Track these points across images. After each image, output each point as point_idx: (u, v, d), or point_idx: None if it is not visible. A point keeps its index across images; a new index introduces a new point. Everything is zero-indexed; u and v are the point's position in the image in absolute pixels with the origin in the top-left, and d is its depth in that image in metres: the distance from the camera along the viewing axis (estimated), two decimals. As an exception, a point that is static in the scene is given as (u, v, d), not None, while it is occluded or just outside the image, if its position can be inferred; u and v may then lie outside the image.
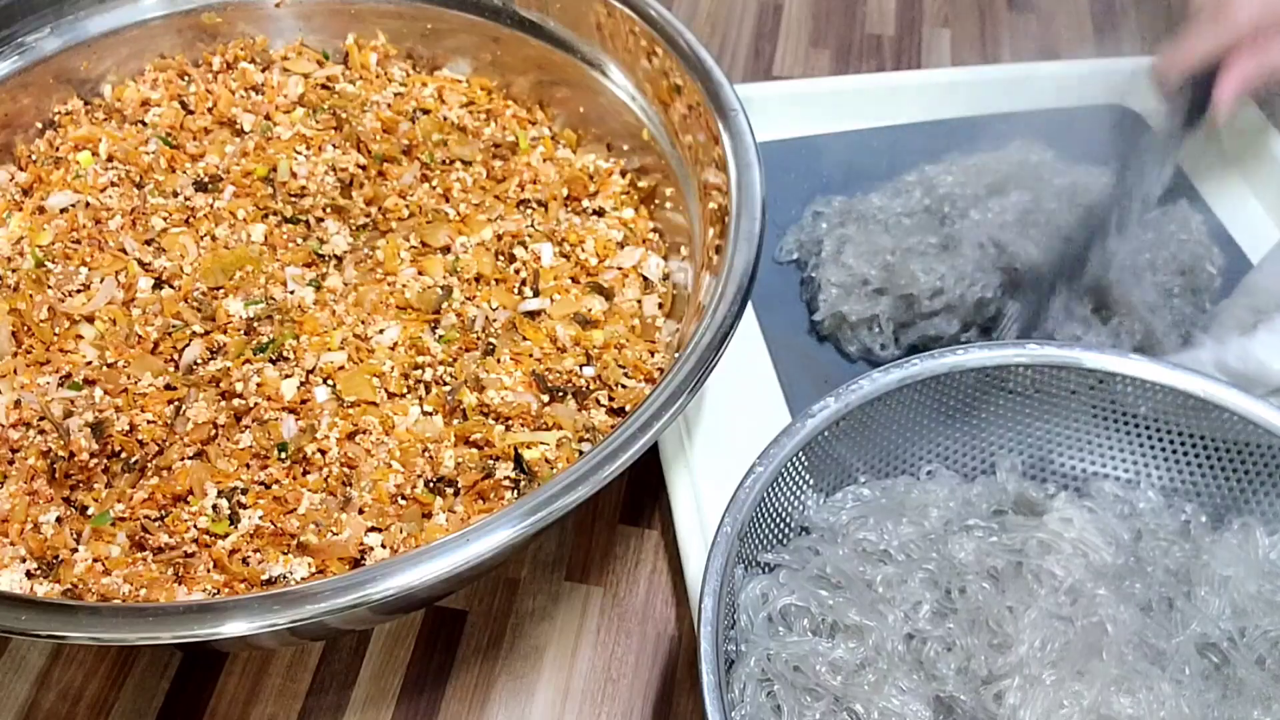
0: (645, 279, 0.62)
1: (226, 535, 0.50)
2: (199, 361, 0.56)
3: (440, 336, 0.58)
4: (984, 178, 0.70)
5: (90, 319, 0.57)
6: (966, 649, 0.44)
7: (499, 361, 0.56)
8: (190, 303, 0.58)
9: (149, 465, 0.52)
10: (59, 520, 0.50)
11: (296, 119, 0.68)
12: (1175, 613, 0.46)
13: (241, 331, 0.57)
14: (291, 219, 0.62)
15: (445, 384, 0.55)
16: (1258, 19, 0.62)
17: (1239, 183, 0.78)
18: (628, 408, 0.55)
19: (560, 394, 0.55)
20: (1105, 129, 0.74)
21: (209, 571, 0.49)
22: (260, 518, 0.50)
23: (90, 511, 0.51)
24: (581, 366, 0.57)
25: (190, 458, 0.52)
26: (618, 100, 0.66)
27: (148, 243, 0.61)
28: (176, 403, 0.54)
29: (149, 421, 0.53)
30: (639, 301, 0.61)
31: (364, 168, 0.65)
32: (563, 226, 0.64)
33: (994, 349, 0.51)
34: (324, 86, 0.70)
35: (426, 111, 0.69)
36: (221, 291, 0.59)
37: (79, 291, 0.58)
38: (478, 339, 0.58)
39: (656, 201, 0.65)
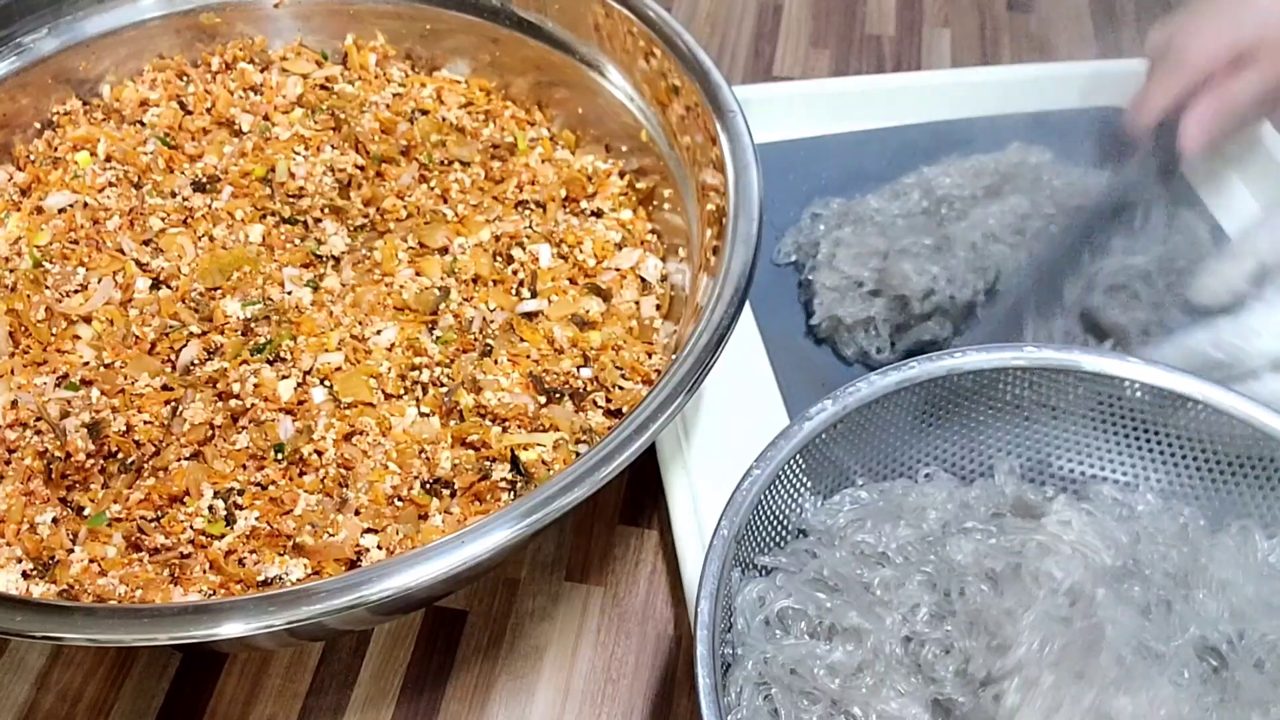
0: (643, 280, 0.62)
1: (223, 536, 0.50)
2: (196, 362, 0.55)
3: (438, 337, 0.58)
4: (982, 179, 0.70)
5: (87, 319, 0.57)
6: (965, 651, 0.44)
7: (496, 363, 0.56)
8: (188, 303, 0.58)
9: (145, 466, 0.52)
10: (55, 521, 0.50)
11: (295, 119, 0.67)
12: (1174, 615, 0.46)
13: (239, 332, 0.57)
14: (289, 219, 0.62)
15: (442, 385, 0.55)
16: (1211, 59, 0.62)
17: (1235, 183, 0.78)
18: (625, 409, 0.55)
19: (557, 395, 0.55)
20: (1105, 131, 0.74)
21: (205, 572, 0.49)
22: (256, 519, 0.50)
23: (87, 512, 0.51)
24: (579, 368, 0.57)
25: (187, 458, 0.52)
26: (616, 101, 0.66)
27: (145, 243, 0.61)
28: (173, 403, 0.54)
29: (146, 422, 0.53)
30: (637, 303, 0.61)
31: (362, 168, 0.65)
32: (561, 228, 0.64)
33: (992, 352, 0.51)
34: (322, 87, 0.70)
35: (425, 112, 0.69)
36: (219, 292, 0.59)
37: (76, 292, 0.58)
38: (475, 340, 0.57)
39: (655, 203, 0.65)
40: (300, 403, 0.54)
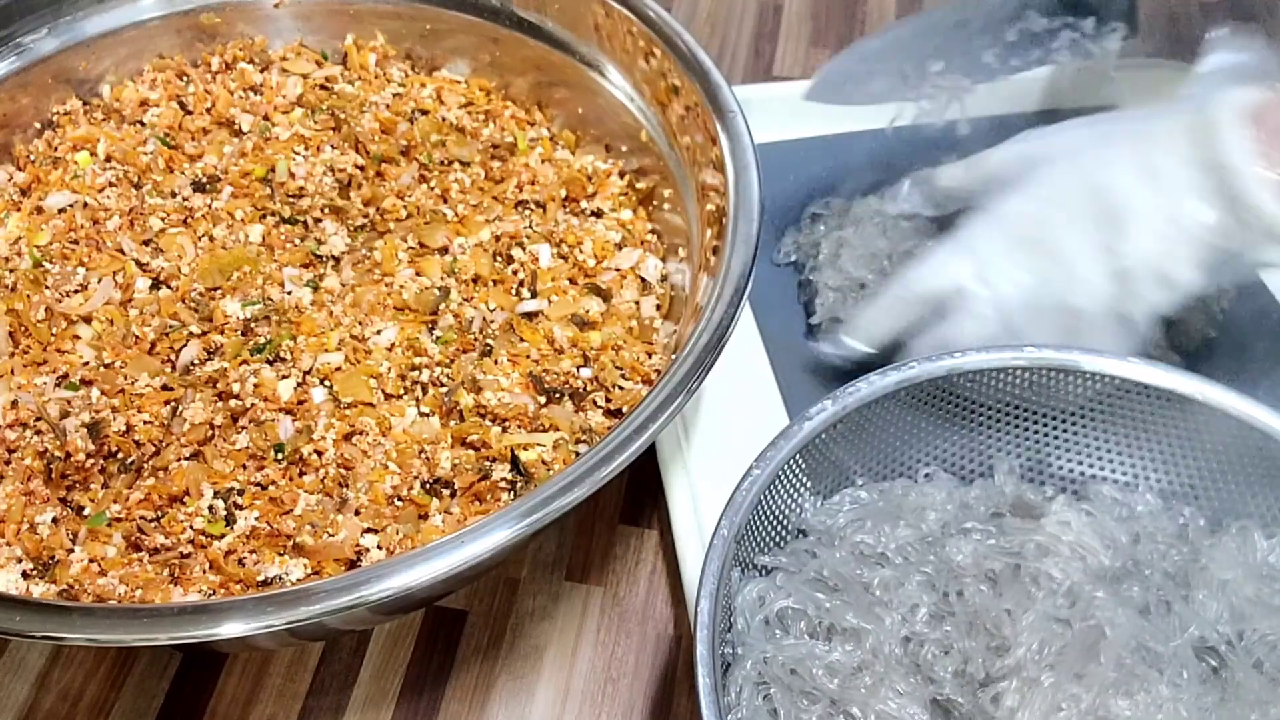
0: (643, 280, 0.62)
1: (222, 536, 0.50)
2: (196, 362, 0.55)
3: (438, 337, 0.58)
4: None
5: (87, 319, 0.57)
6: (964, 651, 0.44)
7: (496, 363, 0.56)
8: (187, 303, 0.58)
9: (145, 466, 0.52)
10: (55, 521, 0.50)
11: (295, 119, 0.67)
12: (1173, 616, 0.46)
13: (239, 332, 0.57)
14: (289, 219, 0.62)
15: (442, 385, 0.55)
16: None
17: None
18: (625, 409, 0.55)
19: (557, 395, 0.55)
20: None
21: (205, 572, 0.49)
22: (256, 519, 0.50)
23: (86, 512, 0.51)
24: (579, 368, 0.57)
25: (187, 458, 0.52)
26: (616, 101, 0.66)
27: (145, 243, 0.61)
28: (173, 403, 0.54)
29: (145, 422, 0.53)
30: (637, 303, 0.61)
31: (362, 168, 0.65)
32: (561, 228, 0.64)
33: (992, 352, 0.51)
34: (322, 87, 0.70)
35: (425, 112, 0.69)
36: (219, 292, 0.59)
37: (76, 292, 0.58)
38: (475, 340, 0.57)
39: (654, 203, 0.65)
40: (300, 403, 0.54)
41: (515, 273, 0.61)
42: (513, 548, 0.44)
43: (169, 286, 0.59)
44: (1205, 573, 0.47)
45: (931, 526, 0.49)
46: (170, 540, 0.49)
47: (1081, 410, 0.52)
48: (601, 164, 0.68)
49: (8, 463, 0.52)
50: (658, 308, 0.61)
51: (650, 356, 0.58)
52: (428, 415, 0.54)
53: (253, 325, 0.57)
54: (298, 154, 0.65)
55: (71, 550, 0.50)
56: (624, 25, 0.64)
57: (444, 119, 0.68)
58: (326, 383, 0.55)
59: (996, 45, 0.70)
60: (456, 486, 0.52)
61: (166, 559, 0.49)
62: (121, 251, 0.60)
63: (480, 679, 0.56)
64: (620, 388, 0.56)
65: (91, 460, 0.51)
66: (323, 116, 0.68)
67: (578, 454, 0.53)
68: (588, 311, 0.59)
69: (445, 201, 0.64)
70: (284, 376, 0.54)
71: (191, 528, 0.50)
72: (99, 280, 0.58)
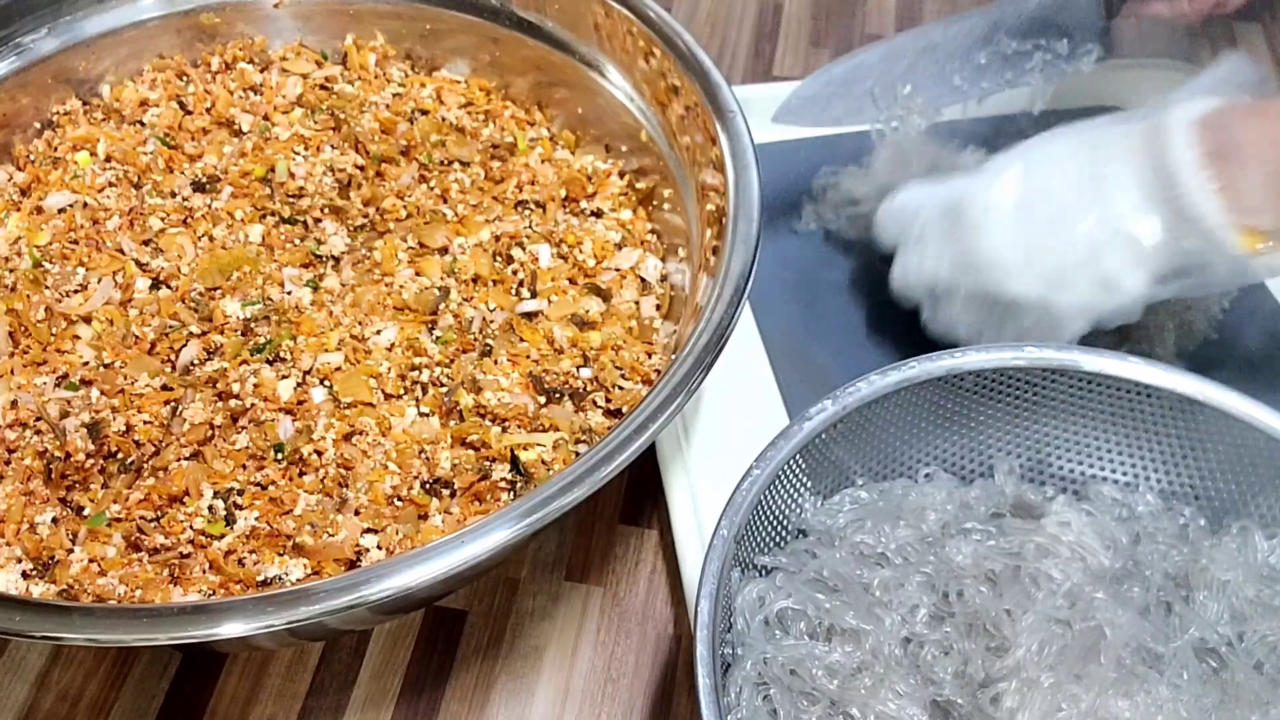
0: (643, 280, 0.62)
1: (222, 536, 0.50)
2: (196, 362, 0.55)
3: (437, 338, 0.58)
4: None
5: (87, 319, 0.57)
6: (964, 652, 0.44)
7: (496, 363, 0.56)
8: (187, 303, 0.58)
9: (145, 466, 0.52)
10: (55, 521, 0.50)
11: (295, 119, 0.67)
12: (1173, 616, 0.46)
13: (238, 332, 0.57)
14: (289, 219, 0.62)
15: (442, 385, 0.55)
16: None
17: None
18: (625, 409, 0.55)
19: (557, 395, 0.55)
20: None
21: (204, 572, 0.49)
22: (256, 519, 0.50)
23: (86, 512, 0.51)
24: (579, 368, 0.57)
25: (186, 458, 0.52)
26: (616, 101, 0.66)
27: (145, 243, 0.61)
28: (173, 403, 0.54)
29: (145, 422, 0.53)
30: (636, 303, 0.61)
31: (362, 168, 0.65)
32: (561, 228, 0.64)
33: (992, 352, 0.51)
34: (322, 87, 0.70)
35: (425, 112, 0.69)
36: (219, 292, 0.59)
37: (76, 292, 0.58)
38: (475, 340, 0.57)
39: (654, 203, 0.65)
40: (300, 403, 0.54)
41: (515, 273, 0.61)
42: (512, 548, 0.44)
43: (169, 286, 0.59)
44: (1206, 573, 0.47)
45: (931, 527, 0.49)
46: (170, 540, 0.49)
47: (1081, 410, 0.52)
48: (601, 164, 0.68)
49: (8, 463, 0.52)
50: (657, 308, 0.61)
51: (650, 356, 0.58)
52: (428, 415, 0.54)
53: (253, 325, 0.57)
54: (298, 154, 0.65)
55: (71, 550, 0.50)
56: (624, 25, 0.64)
57: (444, 119, 0.68)
58: (326, 383, 0.55)
59: (965, 68, 0.70)
60: (456, 486, 0.52)
61: (166, 559, 0.49)
62: (121, 251, 0.60)
63: (480, 679, 0.56)
64: (620, 388, 0.56)
65: (91, 460, 0.51)
66: (323, 116, 0.68)
67: (578, 454, 0.53)
68: (588, 311, 0.59)
69: (445, 201, 0.64)
70: (284, 376, 0.54)
71: (191, 528, 0.50)
72: (99, 280, 0.58)
